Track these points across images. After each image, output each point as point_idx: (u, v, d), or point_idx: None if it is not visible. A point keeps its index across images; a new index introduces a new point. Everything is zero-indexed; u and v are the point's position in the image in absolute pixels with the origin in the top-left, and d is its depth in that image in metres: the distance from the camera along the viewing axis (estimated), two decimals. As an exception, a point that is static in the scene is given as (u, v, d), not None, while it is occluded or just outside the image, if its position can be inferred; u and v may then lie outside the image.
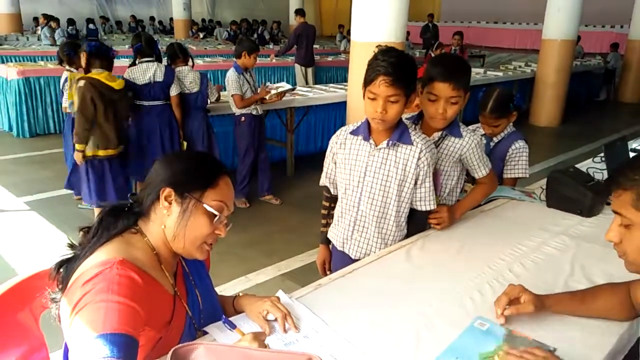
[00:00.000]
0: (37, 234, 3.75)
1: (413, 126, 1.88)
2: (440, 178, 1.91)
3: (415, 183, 1.75)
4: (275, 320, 1.27)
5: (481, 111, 2.32)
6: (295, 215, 4.28)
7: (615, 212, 1.08)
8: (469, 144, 1.84)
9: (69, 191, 4.47)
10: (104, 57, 3.45)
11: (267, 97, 4.33)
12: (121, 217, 1.15)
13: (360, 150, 1.76)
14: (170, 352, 0.82)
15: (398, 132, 1.70)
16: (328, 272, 1.99)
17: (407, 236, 1.85)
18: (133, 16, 18.02)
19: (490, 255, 1.72)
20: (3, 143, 6.33)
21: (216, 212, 1.15)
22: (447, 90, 1.72)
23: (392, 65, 1.55)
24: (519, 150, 2.34)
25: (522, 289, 1.31)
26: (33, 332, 1.26)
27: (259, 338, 1.06)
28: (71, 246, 1.13)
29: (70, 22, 13.60)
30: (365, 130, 1.74)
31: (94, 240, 1.10)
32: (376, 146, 1.72)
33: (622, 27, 14.96)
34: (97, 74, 3.38)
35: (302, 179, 5.02)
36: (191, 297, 1.25)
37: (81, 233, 1.15)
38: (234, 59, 4.27)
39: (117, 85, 3.47)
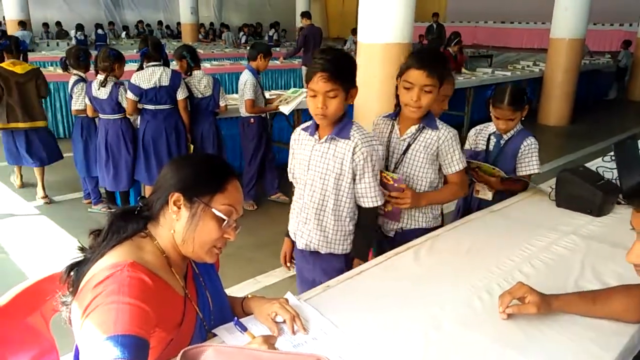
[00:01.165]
0: (47, 238, 3.79)
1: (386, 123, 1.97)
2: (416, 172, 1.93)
3: (355, 179, 1.77)
4: (284, 322, 1.27)
5: (498, 105, 2.31)
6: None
7: (637, 231, 1.04)
8: (445, 135, 1.88)
9: (79, 195, 4.52)
10: (14, 51, 4.34)
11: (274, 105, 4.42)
12: (131, 221, 1.16)
13: (307, 145, 1.83)
14: (180, 354, 0.82)
15: (338, 127, 1.75)
16: (289, 264, 2.06)
17: (356, 235, 1.84)
18: (141, 21, 18.15)
19: (499, 255, 1.71)
20: (14, 148, 6.38)
21: (225, 217, 1.15)
22: (421, 78, 1.77)
23: (329, 61, 1.63)
24: (530, 147, 2.35)
25: (529, 289, 1.30)
26: (44, 335, 1.27)
27: (269, 341, 1.06)
28: (82, 249, 1.14)
29: (79, 27, 13.73)
30: (313, 126, 1.80)
31: (104, 243, 1.10)
32: (319, 140, 1.78)
33: (630, 25, 14.82)
34: (5, 63, 4.25)
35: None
36: (201, 298, 1.25)
37: (91, 236, 1.15)
38: (248, 62, 4.31)
39: (20, 70, 4.28)
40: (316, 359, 0.80)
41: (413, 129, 1.91)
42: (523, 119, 2.37)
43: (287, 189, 4.61)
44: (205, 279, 1.30)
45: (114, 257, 1.06)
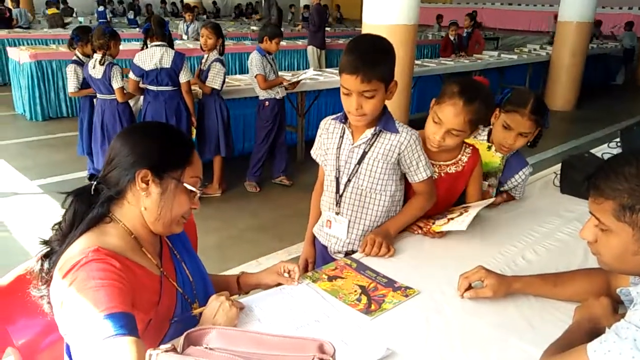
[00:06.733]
0: (50, 217, 3.79)
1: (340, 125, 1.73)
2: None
3: None
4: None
5: (515, 108, 1.80)
6: (305, 200, 4.22)
7: (592, 214, 1.04)
8: (406, 139, 1.62)
9: (83, 174, 4.53)
10: None
11: (285, 84, 4.38)
12: (93, 203, 1.12)
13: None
14: (182, 336, 0.83)
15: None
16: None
17: None
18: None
19: (502, 241, 1.71)
20: (17, 127, 6.39)
21: (195, 190, 1.16)
22: (356, 84, 1.48)
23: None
24: (527, 177, 2.01)
25: (486, 273, 1.34)
26: (47, 313, 1.28)
27: (222, 296, 1.17)
28: (45, 242, 1.13)
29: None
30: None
31: (71, 234, 1.09)
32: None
33: (639, 8, 14.62)
34: None
35: (312, 163, 4.94)
36: (180, 274, 1.25)
37: (53, 231, 1.14)
38: (258, 43, 4.31)
39: None
40: (319, 344, 0.80)
41: (368, 133, 1.63)
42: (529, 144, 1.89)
43: (292, 172, 4.61)
44: (181, 252, 1.30)
45: (80, 245, 1.05)
